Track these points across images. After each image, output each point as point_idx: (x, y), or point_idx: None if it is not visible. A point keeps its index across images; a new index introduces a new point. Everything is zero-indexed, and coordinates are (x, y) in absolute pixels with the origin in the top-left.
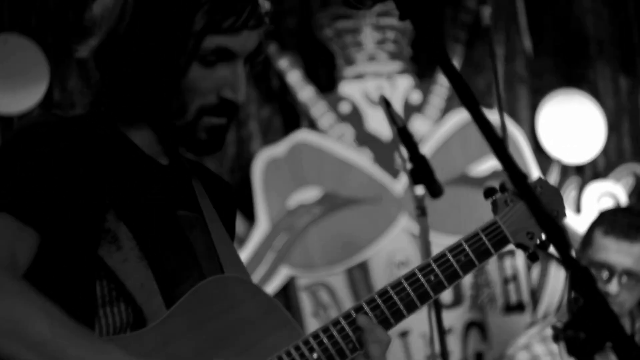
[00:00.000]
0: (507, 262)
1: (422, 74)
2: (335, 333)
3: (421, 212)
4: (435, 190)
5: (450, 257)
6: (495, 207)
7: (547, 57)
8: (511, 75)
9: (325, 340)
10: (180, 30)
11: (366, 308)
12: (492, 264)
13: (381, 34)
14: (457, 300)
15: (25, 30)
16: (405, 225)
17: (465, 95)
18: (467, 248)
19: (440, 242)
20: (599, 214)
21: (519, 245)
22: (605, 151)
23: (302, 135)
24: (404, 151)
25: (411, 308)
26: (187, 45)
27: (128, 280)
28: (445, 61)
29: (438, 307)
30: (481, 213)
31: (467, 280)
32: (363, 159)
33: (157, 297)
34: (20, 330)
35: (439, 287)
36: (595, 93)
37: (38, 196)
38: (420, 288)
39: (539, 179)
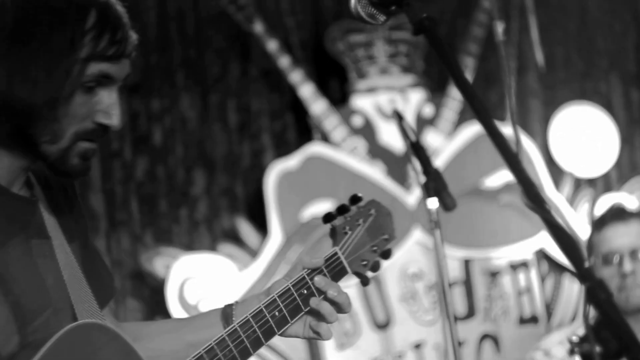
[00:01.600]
0: (521, 275)
1: (435, 87)
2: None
3: (434, 225)
4: (448, 203)
5: (293, 291)
6: (334, 235)
7: (559, 70)
8: (523, 88)
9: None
10: (67, 56)
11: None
12: (505, 276)
13: (393, 48)
14: (470, 313)
15: None
16: (418, 238)
17: (478, 108)
18: (309, 281)
19: (453, 254)
20: (594, 220)
21: (355, 274)
22: (618, 164)
23: (315, 148)
24: (417, 164)
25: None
26: (72, 72)
27: None
28: (458, 75)
29: (451, 319)
30: (494, 226)
31: (481, 292)
32: (376, 172)
33: (15, 337)
34: None
35: (283, 322)
36: (608, 106)
37: None
38: (265, 324)
39: (372, 201)
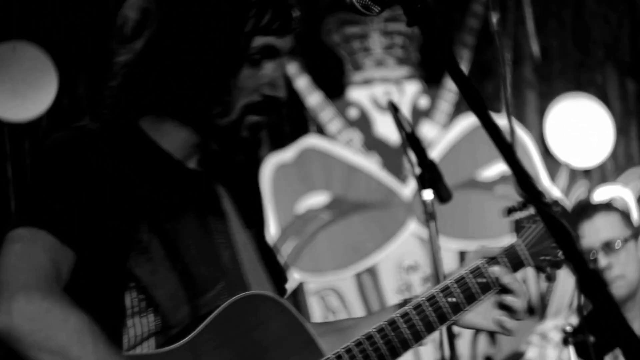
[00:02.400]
0: None
1: (430, 79)
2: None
3: (430, 216)
4: (443, 195)
5: (468, 279)
6: (516, 228)
7: (555, 61)
8: (519, 79)
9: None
10: (233, 31)
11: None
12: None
13: (389, 40)
14: None
15: (35, 38)
16: (414, 229)
17: (474, 100)
18: (485, 270)
19: (448, 247)
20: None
21: (536, 268)
22: (613, 155)
23: (311, 140)
24: (412, 156)
25: (430, 329)
26: (239, 45)
27: (157, 291)
28: (453, 66)
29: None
30: (489, 217)
31: None
32: (371, 164)
33: (184, 307)
34: (66, 353)
35: (457, 308)
36: (603, 97)
37: (74, 217)
38: (439, 309)
39: (557, 200)
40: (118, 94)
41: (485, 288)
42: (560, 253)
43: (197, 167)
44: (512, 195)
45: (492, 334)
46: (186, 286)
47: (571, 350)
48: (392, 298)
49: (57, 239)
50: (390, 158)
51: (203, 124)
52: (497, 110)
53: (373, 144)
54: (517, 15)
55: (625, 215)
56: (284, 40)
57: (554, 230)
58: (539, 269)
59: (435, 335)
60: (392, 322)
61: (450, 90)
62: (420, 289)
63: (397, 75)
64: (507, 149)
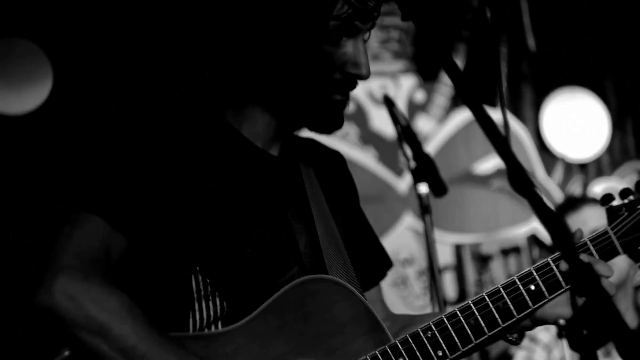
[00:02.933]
0: (512, 260)
1: (426, 73)
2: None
3: (425, 210)
4: (438, 188)
5: (553, 266)
6: (609, 216)
7: (551, 56)
8: (515, 74)
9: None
10: (312, 7)
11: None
12: (496, 261)
13: (385, 34)
14: (461, 297)
15: (30, 34)
16: (409, 223)
17: (467, 94)
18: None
19: (444, 240)
20: None
21: (630, 255)
22: (609, 149)
23: (306, 134)
24: (407, 150)
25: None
26: (327, 27)
27: (222, 276)
28: (447, 60)
29: (441, 303)
30: (485, 210)
31: (472, 277)
32: (367, 158)
33: (253, 292)
34: (106, 332)
35: (539, 296)
36: (600, 92)
37: (128, 202)
38: (519, 296)
39: None
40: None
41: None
42: None
43: (281, 154)
44: (508, 188)
45: None
46: (254, 271)
47: (564, 343)
48: (387, 291)
49: (108, 224)
50: (386, 152)
51: (286, 105)
52: (493, 105)
53: (369, 137)
54: (514, 10)
55: None
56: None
57: (547, 224)
58: (633, 256)
59: None
60: (466, 309)
61: (446, 84)
62: (415, 282)
63: (393, 69)
64: (501, 143)
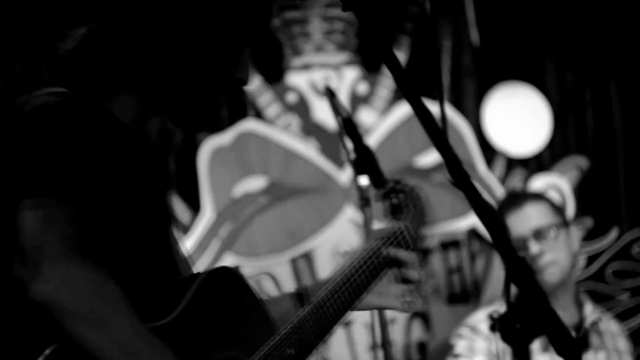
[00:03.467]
0: (452, 253)
1: (370, 65)
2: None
3: (365, 202)
4: (379, 180)
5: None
6: (395, 210)
7: (494, 49)
8: (458, 67)
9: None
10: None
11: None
12: (436, 255)
13: (329, 25)
14: None
15: None
16: (350, 215)
17: (407, 87)
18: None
19: None
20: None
21: (418, 249)
22: (550, 144)
23: (249, 124)
24: (348, 142)
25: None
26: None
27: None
28: (386, 52)
29: None
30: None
31: None
32: (309, 149)
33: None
34: (105, 324)
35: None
36: (542, 86)
37: (90, 184)
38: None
39: (417, 185)
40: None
41: (378, 268)
42: (423, 233)
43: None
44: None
45: (426, 320)
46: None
47: (497, 336)
48: None
49: (76, 208)
50: (328, 143)
51: (157, 96)
52: (435, 98)
53: (311, 129)
54: (457, 3)
55: (554, 204)
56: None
57: (483, 217)
58: (419, 250)
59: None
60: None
61: (389, 76)
62: None
63: (336, 61)
64: (438, 135)
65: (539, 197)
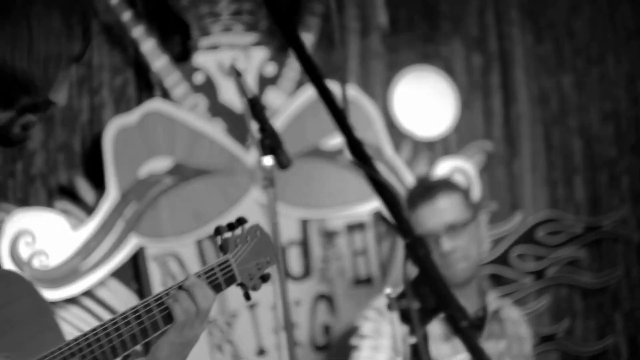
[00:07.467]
0: (357, 236)
1: (279, 46)
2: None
3: (269, 183)
4: (283, 161)
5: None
6: (224, 246)
7: (402, 32)
8: (366, 50)
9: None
10: None
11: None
12: (342, 237)
13: (237, 5)
14: (306, 273)
15: None
16: (256, 197)
17: (310, 67)
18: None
19: (290, 214)
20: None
21: (241, 285)
22: (457, 128)
23: (155, 104)
24: (253, 122)
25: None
26: None
27: None
28: (289, 33)
29: (282, 278)
30: (332, 187)
31: (318, 252)
32: (216, 130)
33: None
34: None
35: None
36: (449, 70)
37: None
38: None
39: (257, 225)
40: None
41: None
42: (265, 268)
43: None
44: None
45: (331, 302)
46: None
47: (395, 315)
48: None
49: None
50: (235, 124)
51: None
52: (345, 80)
53: (218, 109)
54: None
55: (467, 194)
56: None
57: (382, 196)
58: (242, 285)
59: (273, 302)
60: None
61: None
62: None
63: (244, 41)
64: (340, 117)
65: (451, 187)
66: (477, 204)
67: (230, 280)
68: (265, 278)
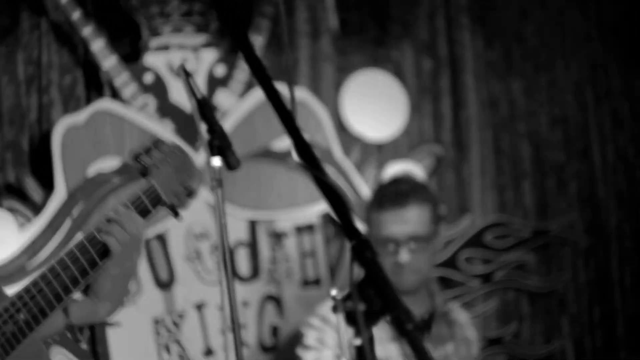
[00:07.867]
0: (306, 238)
1: (229, 47)
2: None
3: (217, 183)
4: (232, 162)
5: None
6: (146, 171)
7: (353, 36)
8: (317, 53)
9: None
10: None
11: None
12: (290, 238)
13: (188, 6)
14: (254, 274)
15: None
16: (206, 197)
17: (259, 70)
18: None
19: (238, 215)
20: (372, 193)
21: (169, 206)
22: (407, 131)
23: (104, 104)
24: (202, 123)
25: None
26: None
27: None
28: (240, 35)
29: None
30: (281, 188)
31: (266, 254)
32: (165, 130)
33: None
34: None
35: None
36: (399, 73)
37: None
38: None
39: (175, 144)
40: None
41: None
42: (189, 184)
43: None
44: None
45: (279, 304)
46: None
47: (341, 317)
48: (181, 265)
49: None
50: (185, 125)
51: None
52: (295, 82)
53: (168, 110)
54: None
55: (436, 208)
56: None
57: (329, 198)
58: (171, 206)
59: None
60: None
61: None
62: (209, 257)
63: (195, 42)
64: (288, 119)
65: (424, 197)
66: (442, 217)
67: (156, 202)
68: (190, 194)
